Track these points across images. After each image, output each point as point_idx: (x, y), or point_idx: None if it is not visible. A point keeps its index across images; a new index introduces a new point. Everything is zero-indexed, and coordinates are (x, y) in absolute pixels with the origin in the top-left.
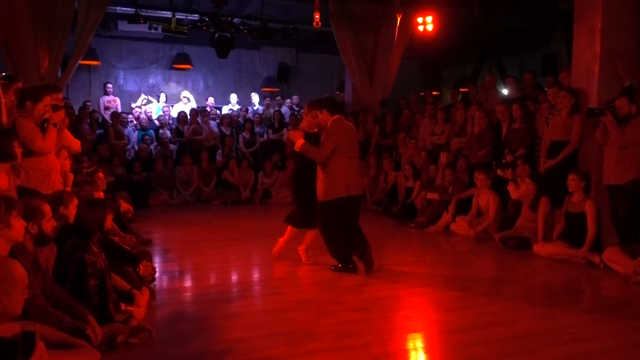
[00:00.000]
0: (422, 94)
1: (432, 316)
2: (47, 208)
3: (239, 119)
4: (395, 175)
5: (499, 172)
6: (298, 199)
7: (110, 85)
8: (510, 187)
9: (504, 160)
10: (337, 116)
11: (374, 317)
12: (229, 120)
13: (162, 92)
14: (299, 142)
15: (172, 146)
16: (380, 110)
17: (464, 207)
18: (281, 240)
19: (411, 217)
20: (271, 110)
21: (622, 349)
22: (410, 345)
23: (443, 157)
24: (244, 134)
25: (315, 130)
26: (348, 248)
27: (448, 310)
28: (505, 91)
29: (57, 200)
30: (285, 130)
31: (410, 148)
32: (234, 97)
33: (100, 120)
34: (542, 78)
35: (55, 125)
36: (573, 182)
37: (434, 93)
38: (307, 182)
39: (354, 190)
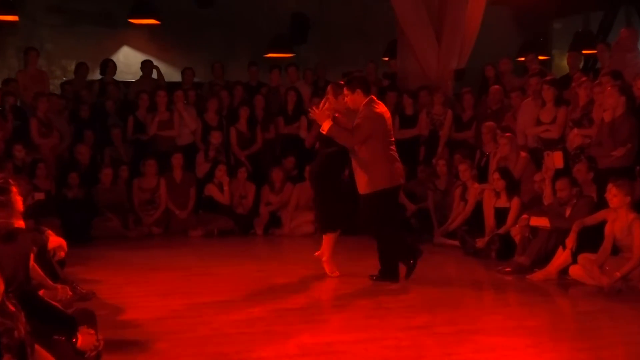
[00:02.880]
0: (521, 59)
1: None
2: None
3: (232, 103)
4: (479, 189)
5: None
6: (321, 196)
7: (33, 52)
8: None
9: None
10: (370, 97)
11: None
12: (216, 104)
13: (112, 61)
14: (326, 124)
15: (127, 145)
16: (453, 87)
17: (590, 239)
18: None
19: (506, 257)
20: (282, 88)
21: None
22: None
23: (552, 160)
24: (238, 125)
25: (337, 115)
26: (396, 251)
27: None
28: None
29: None
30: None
31: (503, 146)
32: (223, 68)
33: (18, 105)
34: None
35: None
36: None
37: (540, 58)
38: (335, 175)
39: (398, 180)
